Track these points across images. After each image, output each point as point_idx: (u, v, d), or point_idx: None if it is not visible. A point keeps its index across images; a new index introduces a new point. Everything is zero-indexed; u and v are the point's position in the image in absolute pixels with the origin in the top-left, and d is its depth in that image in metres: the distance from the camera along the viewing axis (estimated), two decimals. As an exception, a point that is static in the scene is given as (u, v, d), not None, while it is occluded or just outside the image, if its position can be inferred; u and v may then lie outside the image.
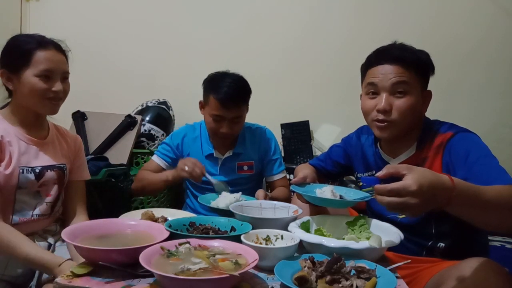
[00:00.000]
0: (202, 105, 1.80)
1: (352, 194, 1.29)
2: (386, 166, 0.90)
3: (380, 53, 1.28)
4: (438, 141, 1.23)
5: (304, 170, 1.45)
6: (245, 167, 1.85)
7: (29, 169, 1.32)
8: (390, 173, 0.88)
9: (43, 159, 1.37)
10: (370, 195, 1.20)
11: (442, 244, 1.24)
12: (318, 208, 1.33)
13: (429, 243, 1.25)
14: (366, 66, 1.31)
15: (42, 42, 1.32)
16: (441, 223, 1.23)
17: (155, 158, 1.87)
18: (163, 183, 1.74)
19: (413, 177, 0.83)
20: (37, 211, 1.33)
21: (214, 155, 1.83)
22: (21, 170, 1.29)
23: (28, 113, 1.35)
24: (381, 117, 1.23)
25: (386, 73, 1.22)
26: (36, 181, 1.33)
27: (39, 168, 1.34)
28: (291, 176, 2.18)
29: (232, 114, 1.70)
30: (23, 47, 1.30)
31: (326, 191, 1.24)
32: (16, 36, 1.36)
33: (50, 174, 1.37)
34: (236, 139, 1.85)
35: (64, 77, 1.36)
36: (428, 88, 1.31)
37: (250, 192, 1.82)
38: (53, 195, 1.38)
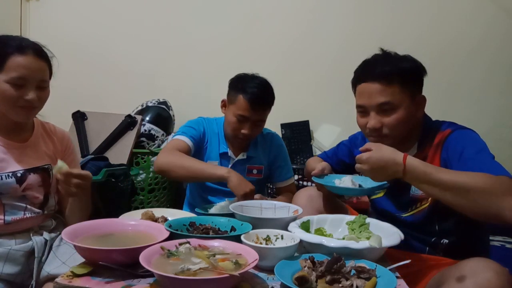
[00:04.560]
0: (225, 104, 1.79)
1: (369, 183, 1.34)
2: (367, 143, 1.16)
3: (364, 70, 1.30)
4: (437, 139, 1.26)
5: (320, 162, 1.50)
6: (255, 171, 1.85)
7: (10, 174, 1.27)
8: (365, 148, 1.15)
9: (25, 162, 1.31)
10: (387, 183, 1.29)
11: (445, 241, 1.25)
12: (334, 198, 1.44)
13: (433, 239, 1.27)
14: (354, 82, 1.34)
15: (20, 46, 1.24)
16: (445, 221, 1.25)
17: (182, 138, 1.74)
18: (213, 177, 1.59)
19: (370, 152, 1.12)
20: (28, 211, 1.31)
21: (228, 155, 1.82)
22: None
23: (5, 118, 1.29)
24: (374, 134, 1.27)
25: (371, 92, 1.24)
26: (18, 186, 1.27)
27: (21, 171, 1.29)
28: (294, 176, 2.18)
29: (257, 116, 1.71)
30: None
31: (346, 181, 1.33)
32: None
33: (33, 177, 1.31)
34: (249, 142, 1.84)
35: (41, 85, 1.28)
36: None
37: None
38: (40, 197, 1.34)
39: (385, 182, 1.31)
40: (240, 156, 1.82)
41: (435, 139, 1.26)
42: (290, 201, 1.76)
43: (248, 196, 1.50)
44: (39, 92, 1.27)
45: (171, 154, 1.66)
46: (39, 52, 1.28)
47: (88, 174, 1.28)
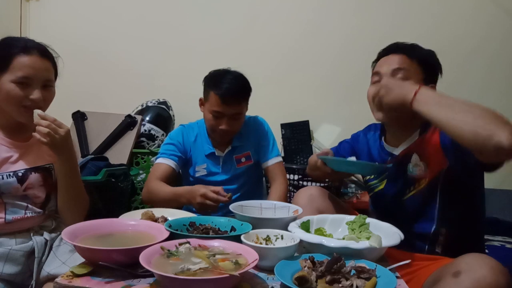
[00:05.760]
0: (202, 102, 1.79)
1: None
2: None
3: (389, 46, 1.40)
4: None
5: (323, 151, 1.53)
6: (243, 159, 1.84)
7: (11, 173, 1.27)
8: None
9: (26, 162, 1.32)
10: (387, 165, 1.35)
11: (444, 230, 1.27)
12: (334, 198, 1.48)
13: (432, 229, 1.28)
14: (376, 61, 1.41)
15: (25, 47, 1.26)
16: (446, 207, 1.27)
17: (162, 160, 1.77)
18: (177, 204, 1.62)
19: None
20: (29, 211, 1.31)
21: (216, 154, 1.82)
22: (0, 177, 1.25)
23: (9, 118, 1.30)
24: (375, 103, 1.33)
25: (391, 61, 1.33)
26: (19, 186, 1.28)
27: (22, 171, 1.29)
28: (292, 176, 2.18)
29: (232, 110, 1.69)
30: (4, 51, 1.25)
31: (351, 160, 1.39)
32: (3, 38, 1.31)
33: (34, 176, 1.32)
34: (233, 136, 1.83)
35: (47, 85, 1.30)
36: None
37: (252, 185, 1.82)
38: (41, 196, 1.34)
39: (389, 165, 1.36)
40: (227, 150, 1.82)
41: None
42: (279, 189, 1.76)
43: (203, 203, 1.48)
44: (44, 91, 1.28)
45: (149, 186, 1.71)
46: (43, 52, 1.30)
47: (64, 125, 1.27)
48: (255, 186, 1.82)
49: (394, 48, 1.37)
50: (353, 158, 1.41)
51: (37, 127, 1.23)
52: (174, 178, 1.81)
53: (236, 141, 1.83)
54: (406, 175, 1.33)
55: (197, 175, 1.82)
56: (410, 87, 1.13)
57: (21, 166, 1.31)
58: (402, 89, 1.14)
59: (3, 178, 1.26)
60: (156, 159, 1.82)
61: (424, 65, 1.32)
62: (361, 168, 1.43)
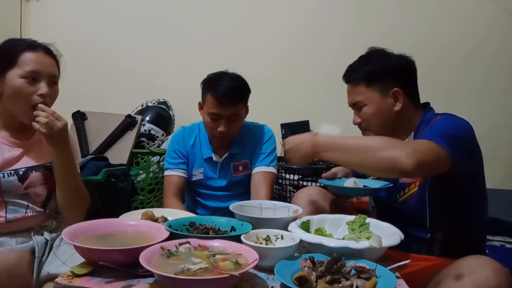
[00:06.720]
0: (201, 106, 1.78)
1: (372, 184, 1.44)
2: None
3: (344, 74, 1.46)
4: (428, 126, 1.30)
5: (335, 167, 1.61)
6: (240, 168, 1.82)
7: (12, 172, 1.28)
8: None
9: (27, 160, 1.33)
10: (389, 183, 1.38)
11: (439, 234, 1.27)
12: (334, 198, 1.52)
13: (428, 236, 1.27)
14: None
15: (31, 45, 1.30)
16: (437, 211, 1.26)
17: (172, 172, 1.78)
18: None
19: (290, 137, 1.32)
20: (30, 210, 1.32)
21: (213, 159, 1.80)
22: (1, 175, 1.26)
23: (14, 117, 1.32)
24: (360, 128, 1.45)
25: (348, 93, 1.44)
26: (20, 184, 1.29)
27: (23, 169, 1.31)
28: (292, 176, 2.18)
29: (228, 111, 1.67)
30: (12, 49, 1.28)
31: (349, 183, 1.43)
32: (9, 39, 1.34)
33: (35, 175, 1.33)
34: (233, 139, 1.81)
35: (52, 81, 1.32)
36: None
37: (248, 195, 1.79)
38: (42, 195, 1.35)
39: (387, 182, 1.37)
40: (225, 156, 1.80)
41: (427, 127, 1.29)
42: (255, 194, 1.71)
43: None
44: (50, 88, 1.30)
45: (167, 206, 1.71)
46: (48, 50, 1.34)
47: (62, 118, 1.29)
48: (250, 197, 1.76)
49: (344, 78, 1.44)
50: (351, 181, 1.42)
51: (36, 118, 1.25)
52: (186, 184, 1.83)
53: (235, 148, 1.80)
54: (397, 179, 1.35)
55: (194, 178, 1.81)
56: (308, 143, 1.22)
57: (22, 164, 1.32)
58: (302, 146, 1.24)
59: (4, 177, 1.27)
60: (165, 167, 1.83)
61: (371, 81, 1.35)
62: (364, 192, 1.48)
